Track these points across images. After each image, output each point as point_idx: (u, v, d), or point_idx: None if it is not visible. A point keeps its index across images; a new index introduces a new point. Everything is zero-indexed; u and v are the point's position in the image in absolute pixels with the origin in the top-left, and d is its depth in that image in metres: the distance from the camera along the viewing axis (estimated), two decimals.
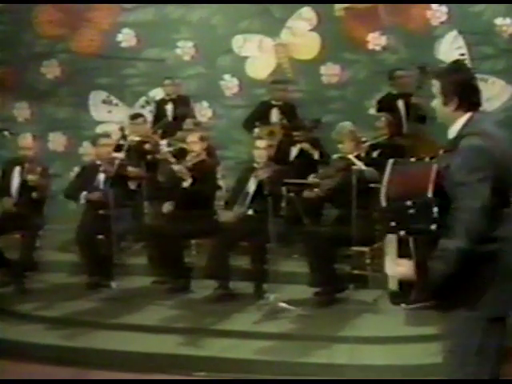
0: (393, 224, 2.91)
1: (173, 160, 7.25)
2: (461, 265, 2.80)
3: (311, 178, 6.49)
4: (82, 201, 6.81)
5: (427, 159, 3.07)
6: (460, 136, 2.95)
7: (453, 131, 3.02)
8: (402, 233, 2.90)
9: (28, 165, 6.97)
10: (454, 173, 2.86)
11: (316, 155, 7.55)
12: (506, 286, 2.90)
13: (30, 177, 6.87)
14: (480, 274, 2.87)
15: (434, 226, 2.84)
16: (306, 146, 7.56)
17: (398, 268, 2.94)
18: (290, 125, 7.94)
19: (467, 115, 3.00)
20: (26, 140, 7.07)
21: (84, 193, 6.77)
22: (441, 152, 3.06)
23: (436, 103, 3.08)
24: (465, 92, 3.00)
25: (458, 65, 3.18)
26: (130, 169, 6.89)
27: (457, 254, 2.78)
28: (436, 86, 3.06)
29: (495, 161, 2.85)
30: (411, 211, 2.87)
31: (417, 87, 7.25)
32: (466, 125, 2.98)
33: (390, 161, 3.11)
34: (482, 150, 2.85)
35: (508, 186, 2.94)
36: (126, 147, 6.87)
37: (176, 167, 6.67)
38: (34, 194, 6.91)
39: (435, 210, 2.84)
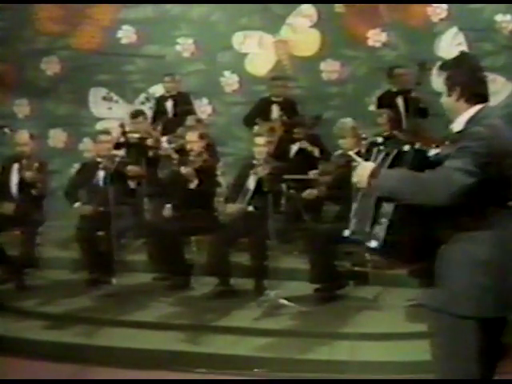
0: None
1: (175, 156, 7.23)
2: (430, 188, 2.78)
3: (312, 174, 6.48)
4: (76, 205, 6.82)
5: (433, 146, 3.06)
6: (466, 129, 2.86)
7: (458, 124, 2.93)
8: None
9: (25, 161, 6.96)
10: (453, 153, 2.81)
11: (316, 152, 7.55)
12: (495, 288, 2.82)
13: (28, 173, 6.85)
14: (471, 275, 2.82)
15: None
16: (306, 144, 7.55)
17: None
18: (290, 121, 7.93)
19: (474, 108, 2.91)
20: (23, 136, 7.06)
21: (77, 204, 6.80)
22: (446, 143, 3.01)
23: (442, 96, 3.02)
24: (468, 82, 2.92)
25: (463, 56, 3.10)
26: (130, 168, 6.88)
27: (447, 175, 2.75)
28: (442, 77, 3.00)
29: (495, 151, 2.77)
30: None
31: (416, 84, 7.25)
32: (473, 117, 2.88)
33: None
34: (485, 138, 2.77)
35: (503, 184, 2.85)
36: (127, 145, 6.87)
37: (184, 171, 6.58)
38: (34, 191, 6.90)
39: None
